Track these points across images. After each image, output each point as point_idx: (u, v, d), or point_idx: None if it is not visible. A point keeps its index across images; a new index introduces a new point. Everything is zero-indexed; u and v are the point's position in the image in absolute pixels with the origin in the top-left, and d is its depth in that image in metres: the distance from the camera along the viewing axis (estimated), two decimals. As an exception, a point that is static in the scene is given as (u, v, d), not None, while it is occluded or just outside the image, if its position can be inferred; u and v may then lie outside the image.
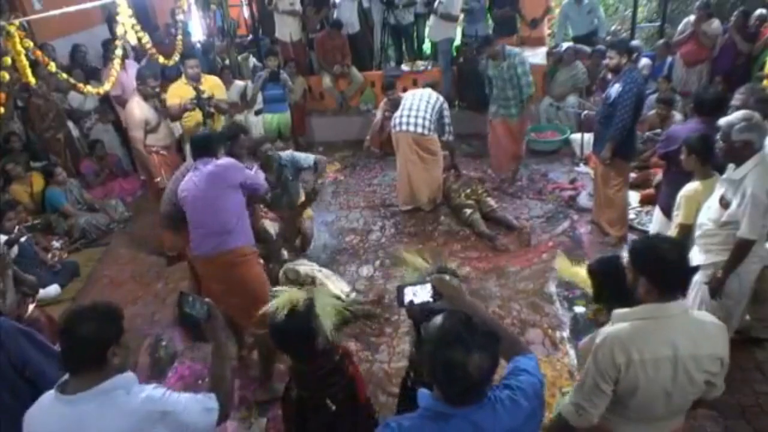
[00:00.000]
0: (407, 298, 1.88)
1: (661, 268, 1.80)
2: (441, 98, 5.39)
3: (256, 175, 3.48)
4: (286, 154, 4.57)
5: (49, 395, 1.65)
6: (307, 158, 4.59)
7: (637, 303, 1.86)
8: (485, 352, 1.39)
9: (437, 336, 1.43)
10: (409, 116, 5.21)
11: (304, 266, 4.30)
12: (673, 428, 2.04)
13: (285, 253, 4.41)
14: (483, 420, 1.43)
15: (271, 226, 4.32)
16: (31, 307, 3.23)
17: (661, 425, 1.99)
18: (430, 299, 1.86)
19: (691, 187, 3.15)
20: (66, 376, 1.65)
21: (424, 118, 5.19)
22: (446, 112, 5.40)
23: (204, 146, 3.28)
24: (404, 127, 5.23)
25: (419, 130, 5.18)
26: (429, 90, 5.45)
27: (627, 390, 1.85)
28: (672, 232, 3.27)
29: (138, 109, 4.57)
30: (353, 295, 4.11)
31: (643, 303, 1.85)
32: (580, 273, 2.58)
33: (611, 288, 2.17)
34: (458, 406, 1.44)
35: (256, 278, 3.27)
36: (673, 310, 1.81)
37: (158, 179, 4.68)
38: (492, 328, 1.71)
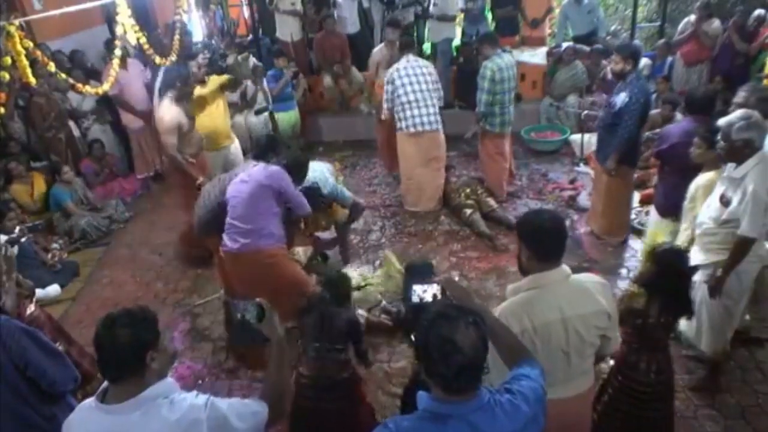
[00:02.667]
0: (415, 296, 1.90)
1: (538, 236, 1.95)
2: (429, 65, 5.26)
3: (300, 194, 3.56)
4: (331, 184, 4.13)
5: (89, 403, 1.62)
6: (347, 198, 4.33)
7: (524, 274, 2.03)
8: (473, 325, 1.42)
9: (426, 321, 1.46)
10: (421, 115, 5.13)
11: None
12: (584, 389, 2.14)
13: (314, 277, 4.35)
14: (481, 422, 1.43)
15: (303, 252, 4.29)
16: (31, 307, 3.23)
17: (569, 386, 2.08)
18: (438, 299, 1.87)
19: (706, 177, 3.14)
20: (105, 384, 1.62)
21: (435, 114, 5.17)
22: (438, 81, 5.30)
23: (266, 146, 3.62)
24: (421, 128, 5.15)
25: (434, 126, 5.19)
26: (426, 67, 5.21)
27: None
28: (687, 225, 3.26)
29: (168, 115, 4.40)
30: (383, 303, 3.97)
31: (527, 273, 2.00)
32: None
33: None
34: (455, 397, 1.43)
35: (288, 275, 3.45)
36: (553, 277, 1.95)
37: (200, 180, 4.40)
38: (498, 330, 1.72)
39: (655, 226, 3.22)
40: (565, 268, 1.99)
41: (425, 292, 1.92)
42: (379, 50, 6.12)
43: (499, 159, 5.49)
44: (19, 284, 3.27)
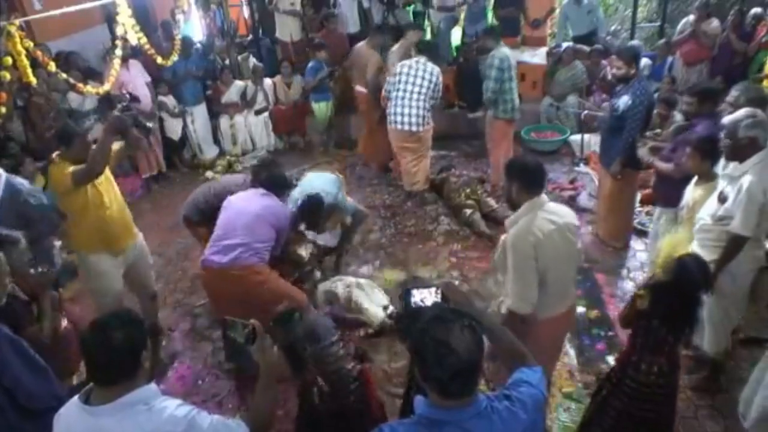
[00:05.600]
0: (414, 302, 1.87)
1: (525, 171, 2.46)
2: (435, 72, 5.21)
3: (283, 240, 3.59)
4: (333, 195, 3.97)
5: (76, 400, 1.63)
6: (348, 209, 4.26)
7: (514, 208, 2.50)
8: (468, 328, 1.41)
9: (422, 324, 1.44)
10: (403, 114, 5.20)
11: (341, 282, 4.07)
12: (571, 304, 2.68)
13: (318, 274, 4.30)
14: (478, 429, 1.42)
15: (304, 249, 4.23)
16: (64, 322, 3.01)
17: (568, 298, 2.62)
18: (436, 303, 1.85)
19: (700, 191, 3.14)
20: (90, 385, 1.62)
21: (418, 116, 5.17)
22: (438, 86, 5.26)
23: (277, 184, 3.54)
24: (396, 126, 5.28)
25: (408, 128, 5.22)
26: (424, 66, 5.20)
27: (544, 267, 2.37)
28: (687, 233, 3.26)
29: (374, 56, 5.38)
30: (391, 308, 3.91)
31: (517, 205, 2.46)
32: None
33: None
34: (452, 402, 1.42)
35: (282, 292, 3.23)
36: (540, 201, 2.44)
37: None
38: (498, 333, 1.71)
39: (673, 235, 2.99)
40: (544, 195, 2.46)
41: (424, 296, 1.89)
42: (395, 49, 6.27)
43: (504, 145, 5.55)
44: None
